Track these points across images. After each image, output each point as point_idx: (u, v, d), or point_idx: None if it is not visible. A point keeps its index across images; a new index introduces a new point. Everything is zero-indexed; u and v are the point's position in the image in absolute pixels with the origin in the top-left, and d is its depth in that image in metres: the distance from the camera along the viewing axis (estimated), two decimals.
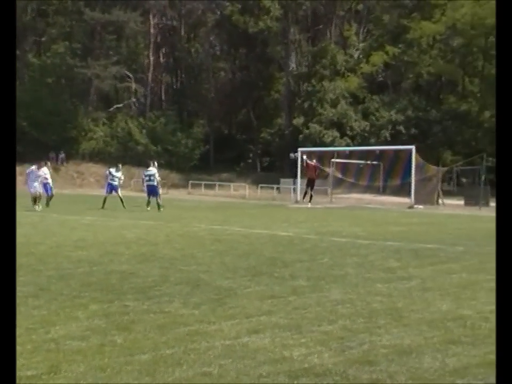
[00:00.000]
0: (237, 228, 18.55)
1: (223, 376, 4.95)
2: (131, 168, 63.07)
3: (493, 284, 9.06)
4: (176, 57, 78.88)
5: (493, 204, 37.42)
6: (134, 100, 74.39)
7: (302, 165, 35.31)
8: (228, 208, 31.02)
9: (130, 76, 70.90)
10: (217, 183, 56.00)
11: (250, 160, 76.56)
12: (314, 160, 34.18)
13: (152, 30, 72.93)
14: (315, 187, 34.28)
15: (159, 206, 26.71)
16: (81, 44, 71.65)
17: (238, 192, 52.25)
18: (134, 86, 71.78)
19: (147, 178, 28.03)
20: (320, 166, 34.09)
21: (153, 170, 28.35)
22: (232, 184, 55.27)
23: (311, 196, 32.85)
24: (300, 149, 42.17)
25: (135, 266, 10.38)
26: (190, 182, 56.40)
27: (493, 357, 5.50)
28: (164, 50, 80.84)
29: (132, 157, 64.37)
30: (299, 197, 39.91)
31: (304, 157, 34.83)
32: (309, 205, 32.01)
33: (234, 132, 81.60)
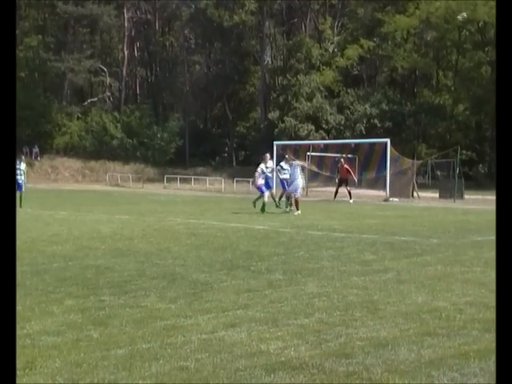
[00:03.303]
0: (213, 221, 18.52)
1: (199, 370, 4.95)
2: (106, 162, 62.85)
3: (467, 276, 9.14)
4: (151, 50, 78.48)
5: (467, 196, 37.73)
6: (108, 94, 73.99)
7: (337, 167, 34.80)
8: (203, 202, 30.95)
9: (105, 69, 70.50)
10: (193, 177, 55.83)
11: (225, 154, 76.46)
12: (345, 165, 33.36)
13: (126, 24, 72.50)
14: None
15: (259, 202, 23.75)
16: (55, 38, 71.05)
17: (214, 186, 52.13)
18: (108, 80, 71.40)
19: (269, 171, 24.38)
20: (352, 172, 33.75)
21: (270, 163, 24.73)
22: (208, 178, 55.14)
23: (349, 192, 32.16)
24: (275, 143, 42.21)
25: (111, 261, 10.33)
26: (166, 176, 56.18)
27: (467, 347, 5.55)
28: (138, 44, 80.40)
29: (107, 151, 64.12)
30: (275, 191, 39.87)
31: (342, 160, 34.42)
32: (351, 201, 31.12)
33: (210, 125, 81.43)
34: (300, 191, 22.99)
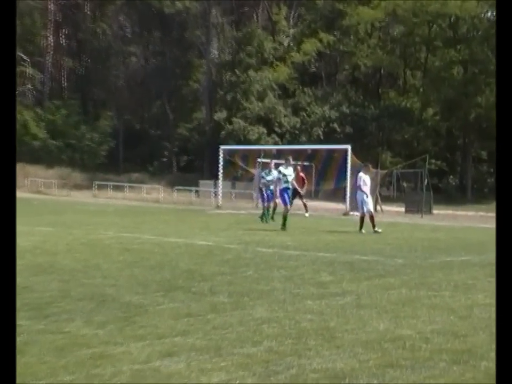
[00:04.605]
0: (149, 235, 18.43)
1: None
2: (25, 165, 62.05)
3: (435, 301, 9.25)
4: (80, 39, 77.93)
5: (436, 211, 38.33)
6: (30, 86, 73.06)
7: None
8: (139, 214, 30.81)
9: (26, 58, 69.64)
10: (127, 184, 55.59)
11: (165, 159, 76.25)
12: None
13: (51, 7, 71.86)
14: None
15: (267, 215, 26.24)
16: None
17: (151, 195, 51.99)
18: (30, 70, 70.55)
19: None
20: (306, 182, 33.56)
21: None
22: (144, 186, 55.02)
23: (305, 205, 32.24)
24: (221, 147, 42.24)
25: (30, 280, 10.19)
26: (96, 182, 55.82)
27: (433, 381, 5.62)
28: (65, 30, 79.72)
29: (27, 153, 63.27)
30: (220, 202, 39.95)
31: (298, 167, 34.20)
32: (307, 214, 31.39)
33: (147, 126, 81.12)
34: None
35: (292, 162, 23.87)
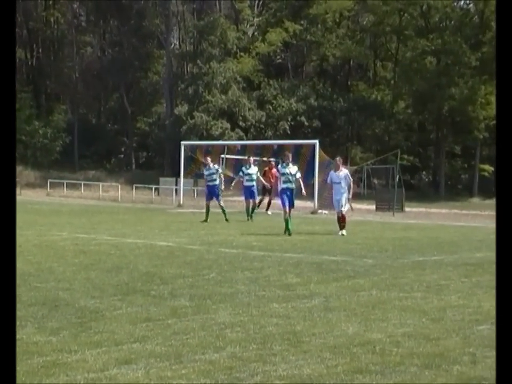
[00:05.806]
0: (106, 236, 18.37)
1: None
2: None
3: (406, 302, 9.31)
4: (31, 27, 77.10)
5: (408, 209, 38.59)
6: None
7: (263, 171, 33.48)
8: (95, 213, 30.65)
9: None
10: (83, 182, 55.27)
11: (123, 156, 75.86)
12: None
13: None
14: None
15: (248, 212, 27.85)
16: None
17: (109, 194, 51.76)
18: None
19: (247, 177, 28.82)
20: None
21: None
22: (101, 184, 54.71)
23: (269, 202, 32.22)
24: (183, 143, 42.14)
25: None
26: (49, 180, 55.44)
27: None
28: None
29: None
30: (182, 200, 39.87)
31: (273, 163, 33.92)
32: (269, 212, 31.43)
33: (104, 120, 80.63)
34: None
35: (290, 159, 22.25)
